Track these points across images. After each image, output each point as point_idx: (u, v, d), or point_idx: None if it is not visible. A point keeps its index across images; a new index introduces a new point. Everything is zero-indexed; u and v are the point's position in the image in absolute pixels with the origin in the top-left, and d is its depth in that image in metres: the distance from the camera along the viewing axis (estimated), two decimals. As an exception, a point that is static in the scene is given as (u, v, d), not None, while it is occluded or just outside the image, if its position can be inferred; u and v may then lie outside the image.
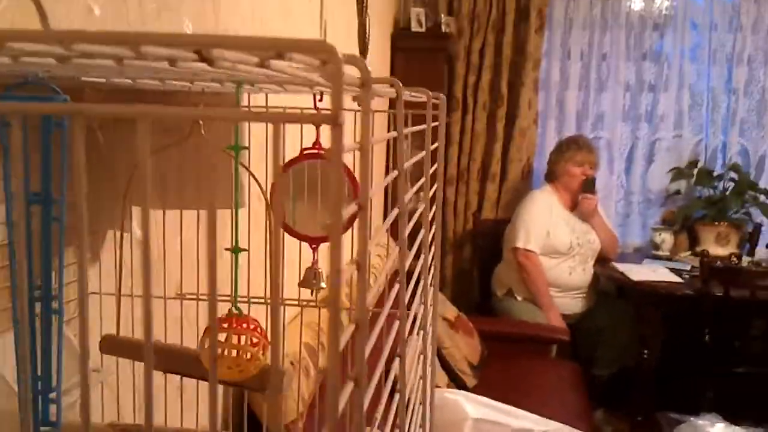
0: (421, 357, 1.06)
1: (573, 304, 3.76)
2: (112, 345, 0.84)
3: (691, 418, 2.70)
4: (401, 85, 0.54)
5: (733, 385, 3.35)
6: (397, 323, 0.68)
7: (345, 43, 2.57)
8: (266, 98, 0.99)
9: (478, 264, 4.12)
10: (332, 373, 0.35)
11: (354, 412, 0.44)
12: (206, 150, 0.83)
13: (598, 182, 4.26)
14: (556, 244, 3.70)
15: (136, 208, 1.08)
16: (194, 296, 0.99)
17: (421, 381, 0.97)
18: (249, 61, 0.33)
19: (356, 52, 2.76)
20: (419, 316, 1.05)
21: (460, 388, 2.79)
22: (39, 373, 0.60)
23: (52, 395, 0.62)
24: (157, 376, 1.10)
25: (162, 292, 1.11)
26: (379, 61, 3.55)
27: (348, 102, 0.59)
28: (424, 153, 0.78)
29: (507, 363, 3.34)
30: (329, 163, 0.87)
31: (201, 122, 0.77)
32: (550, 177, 3.89)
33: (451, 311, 3.29)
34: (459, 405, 2.13)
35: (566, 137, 3.98)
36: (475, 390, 2.89)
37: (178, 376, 0.96)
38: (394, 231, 0.86)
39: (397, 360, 0.66)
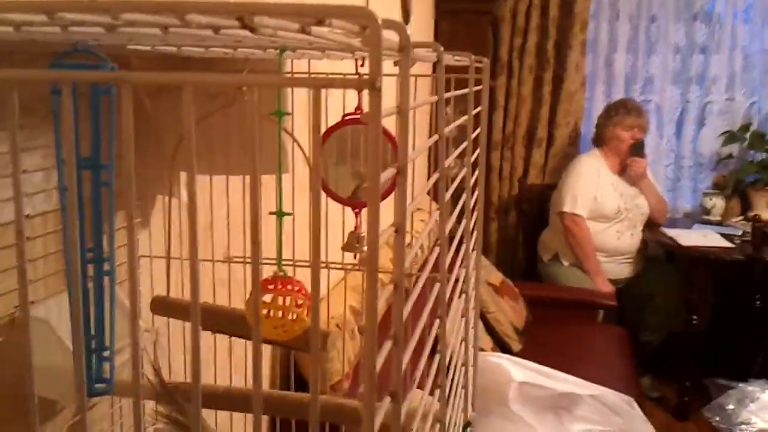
0: (463, 319, 1.07)
1: (620, 269, 3.73)
2: (162, 306, 0.87)
3: (740, 384, 2.67)
4: (442, 49, 0.55)
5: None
6: (437, 286, 0.69)
7: (386, 7, 2.56)
8: (308, 64, 1.00)
9: (523, 230, 4.10)
10: (370, 333, 0.37)
11: (393, 370, 0.45)
12: (250, 116, 0.84)
13: (648, 147, 4.19)
14: (603, 208, 3.66)
15: (184, 173, 1.10)
16: (241, 259, 1.02)
17: (463, 343, 0.99)
18: (290, 28, 0.34)
19: (398, 16, 2.74)
20: (461, 280, 1.06)
21: (505, 353, 2.80)
22: (93, 333, 0.63)
23: (106, 353, 0.64)
24: (207, 337, 1.13)
25: (210, 255, 1.13)
26: (422, 25, 3.52)
27: (390, 67, 0.60)
28: (465, 117, 0.78)
29: (552, 328, 3.34)
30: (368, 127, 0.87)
31: (244, 88, 0.78)
32: (599, 141, 3.84)
33: (496, 276, 3.29)
34: (503, 368, 2.14)
35: (614, 101, 3.91)
36: (520, 354, 2.90)
37: (228, 337, 0.99)
38: (437, 196, 0.86)
39: (437, 321, 0.67)
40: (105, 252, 0.62)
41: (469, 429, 0.79)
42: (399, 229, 0.37)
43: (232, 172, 1.04)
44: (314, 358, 0.34)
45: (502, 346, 2.94)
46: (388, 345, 0.46)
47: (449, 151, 1.13)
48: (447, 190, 0.95)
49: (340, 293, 1.93)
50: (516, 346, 3.04)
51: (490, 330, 2.94)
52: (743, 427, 2.43)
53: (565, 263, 3.73)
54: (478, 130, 0.96)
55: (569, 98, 4.11)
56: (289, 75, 1.08)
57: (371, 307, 0.33)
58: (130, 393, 1.01)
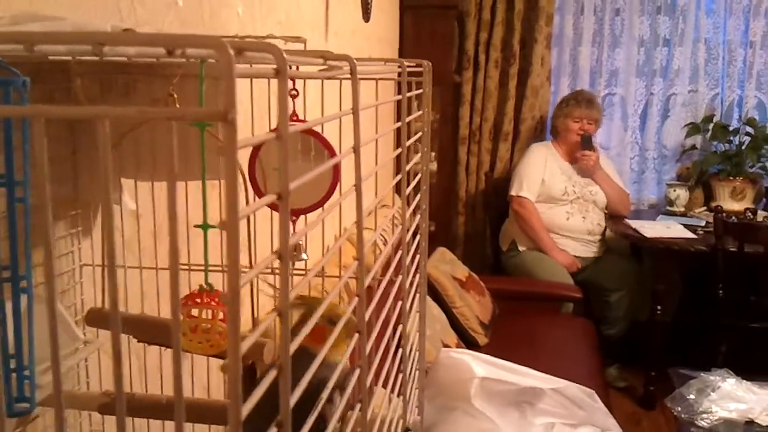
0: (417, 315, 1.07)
1: (575, 246, 3.76)
2: (98, 318, 0.85)
3: (702, 374, 2.70)
4: (355, 61, 0.54)
5: (746, 340, 3.34)
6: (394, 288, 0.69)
7: (343, 3, 2.54)
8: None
9: (490, 223, 4.12)
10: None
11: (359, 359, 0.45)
12: (180, 124, 0.83)
13: (613, 139, 4.23)
14: (551, 190, 3.75)
15: (126, 179, 1.09)
16: (185, 267, 1.00)
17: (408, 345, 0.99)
18: (150, 54, 0.33)
19: (359, 11, 2.73)
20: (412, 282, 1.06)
21: (471, 347, 2.82)
22: (12, 353, 0.61)
23: (26, 372, 0.63)
24: (156, 348, 1.11)
25: (155, 263, 1.12)
26: (386, 20, 3.51)
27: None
28: (399, 124, 0.77)
29: (519, 321, 3.36)
30: (309, 134, 0.86)
31: (175, 95, 0.77)
32: (553, 132, 3.93)
33: (462, 271, 3.30)
34: (466, 364, 2.14)
35: (570, 93, 3.96)
36: (486, 348, 2.91)
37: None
38: (400, 192, 0.86)
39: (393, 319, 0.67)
40: (22, 270, 0.61)
41: (408, 435, 0.79)
42: (283, 257, 0.37)
43: (157, 178, 1.02)
44: (176, 359, 0.33)
45: (467, 341, 2.95)
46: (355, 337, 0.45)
47: (415, 146, 1.12)
48: (408, 186, 0.94)
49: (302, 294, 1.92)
50: (482, 340, 3.05)
51: (456, 325, 2.95)
52: (704, 416, 2.45)
53: (522, 248, 3.76)
54: (419, 134, 0.95)
55: (534, 92, 4.12)
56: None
57: (233, 345, 0.32)
58: (73, 405, 1.00)
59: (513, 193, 3.74)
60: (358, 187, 0.53)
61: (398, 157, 0.91)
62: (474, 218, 4.26)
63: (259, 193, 0.89)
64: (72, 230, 1.08)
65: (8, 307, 0.61)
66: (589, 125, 3.78)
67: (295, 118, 0.83)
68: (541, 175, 3.75)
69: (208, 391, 1.31)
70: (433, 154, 4.11)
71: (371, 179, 0.87)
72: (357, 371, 0.58)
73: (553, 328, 3.34)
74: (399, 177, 0.75)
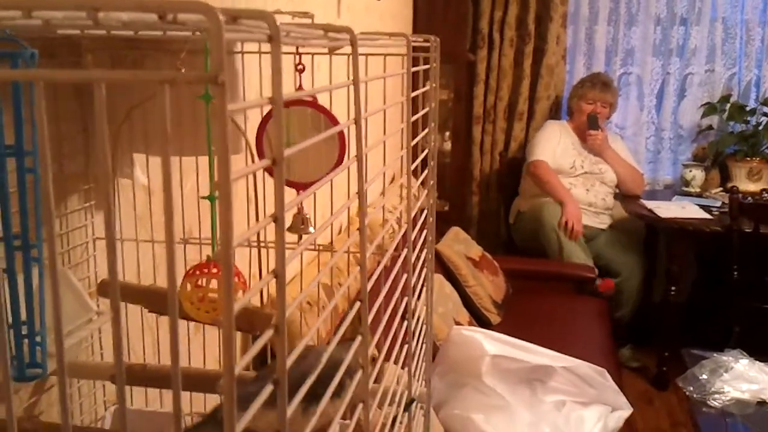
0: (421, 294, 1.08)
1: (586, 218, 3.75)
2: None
3: (715, 354, 2.69)
4: (356, 33, 0.55)
5: (760, 321, 3.33)
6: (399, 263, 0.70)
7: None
8: (259, 45, 0.99)
9: (504, 204, 4.11)
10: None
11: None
12: (188, 97, 0.84)
13: (628, 119, 4.20)
14: (561, 162, 3.77)
15: (138, 154, 1.10)
16: (196, 241, 1.02)
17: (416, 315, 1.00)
18: (143, 20, 0.34)
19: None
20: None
21: (484, 326, 2.83)
22: (24, 319, 0.63)
23: (38, 338, 0.65)
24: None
25: (163, 237, 1.13)
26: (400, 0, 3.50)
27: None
28: (404, 99, 0.78)
29: (532, 301, 3.37)
30: (315, 108, 0.87)
31: (183, 70, 0.78)
32: (569, 111, 3.95)
33: (476, 250, 3.30)
34: (477, 342, 2.16)
35: (591, 73, 3.95)
36: (499, 327, 2.92)
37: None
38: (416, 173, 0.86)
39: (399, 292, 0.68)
40: (33, 240, 0.62)
41: (414, 405, 0.80)
42: (278, 219, 0.38)
43: (185, 153, 1.03)
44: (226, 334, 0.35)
45: (480, 320, 2.96)
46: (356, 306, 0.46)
47: (428, 125, 1.13)
48: (415, 161, 0.95)
49: (313, 271, 1.94)
50: (495, 319, 3.06)
51: (469, 304, 2.96)
52: (716, 396, 2.45)
53: (524, 210, 3.79)
54: (426, 110, 0.96)
55: (550, 71, 4.10)
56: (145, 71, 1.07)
57: (227, 304, 0.33)
58: (84, 374, 1.02)
59: (528, 161, 3.79)
60: (359, 158, 0.54)
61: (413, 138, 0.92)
62: (488, 198, 4.26)
63: (267, 168, 0.90)
64: (85, 204, 1.10)
65: (20, 276, 0.62)
66: (603, 108, 3.77)
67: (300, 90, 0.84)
68: (555, 147, 3.78)
69: (220, 363, 1.33)
70: (447, 133, 4.11)
71: (380, 157, 0.88)
72: (358, 339, 0.59)
73: (566, 307, 3.35)
74: (403, 152, 0.75)
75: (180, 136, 1.03)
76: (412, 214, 0.90)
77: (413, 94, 0.77)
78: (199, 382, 0.84)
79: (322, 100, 0.97)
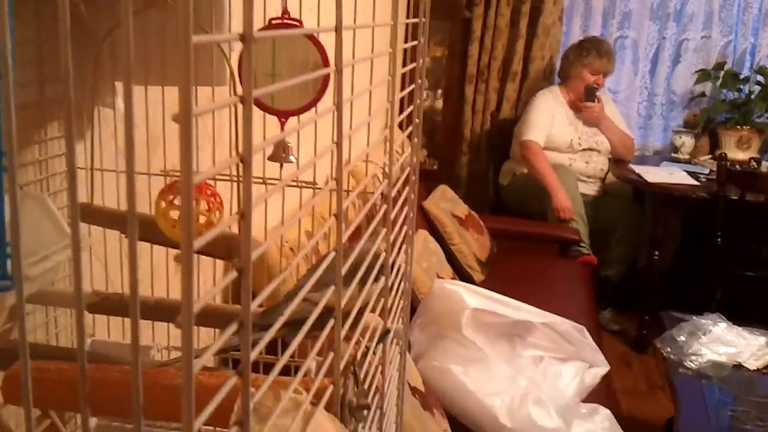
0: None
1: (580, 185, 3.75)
2: (88, 213, 0.86)
3: (694, 317, 2.72)
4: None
5: (741, 288, 3.36)
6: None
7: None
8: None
9: (494, 164, 4.10)
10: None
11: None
12: (175, 22, 0.82)
13: (621, 83, 4.18)
14: (557, 141, 3.73)
15: (119, 83, 1.08)
16: (163, 172, 1.01)
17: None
18: None
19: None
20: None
21: (467, 283, 2.84)
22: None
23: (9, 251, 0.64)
24: (160, 250, 1.12)
25: (146, 168, 1.12)
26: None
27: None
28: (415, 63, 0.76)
29: (516, 260, 3.38)
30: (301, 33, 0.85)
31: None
32: (563, 75, 3.86)
33: (462, 209, 3.31)
34: (458, 295, 2.17)
35: (589, 39, 3.87)
36: (482, 285, 2.93)
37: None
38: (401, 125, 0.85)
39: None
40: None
41: (389, 336, 0.80)
42: (245, 160, 0.37)
43: (168, 83, 1.02)
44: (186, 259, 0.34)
45: (464, 277, 2.98)
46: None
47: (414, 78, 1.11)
48: (400, 115, 0.94)
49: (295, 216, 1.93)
50: (478, 277, 3.08)
51: (453, 261, 2.97)
52: (693, 358, 2.48)
53: (524, 171, 3.77)
54: (413, 64, 0.94)
55: (546, 31, 4.06)
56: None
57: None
58: (60, 302, 1.02)
59: (520, 138, 3.70)
60: (338, 71, 0.53)
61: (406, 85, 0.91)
62: (478, 158, 4.25)
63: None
64: (65, 132, 1.08)
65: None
66: (603, 78, 3.74)
67: (286, 16, 0.82)
68: (549, 125, 3.71)
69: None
70: (439, 91, 4.09)
71: (367, 106, 0.87)
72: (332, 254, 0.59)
73: (549, 268, 3.37)
74: (388, 104, 0.74)
75: (164, 64, 1.01)
76: (394, 170, 0.89)
77: (402, 47, 0.76)
78: (166, 311, 0.84)
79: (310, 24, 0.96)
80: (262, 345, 0.45)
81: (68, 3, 0.33)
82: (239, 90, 0.95)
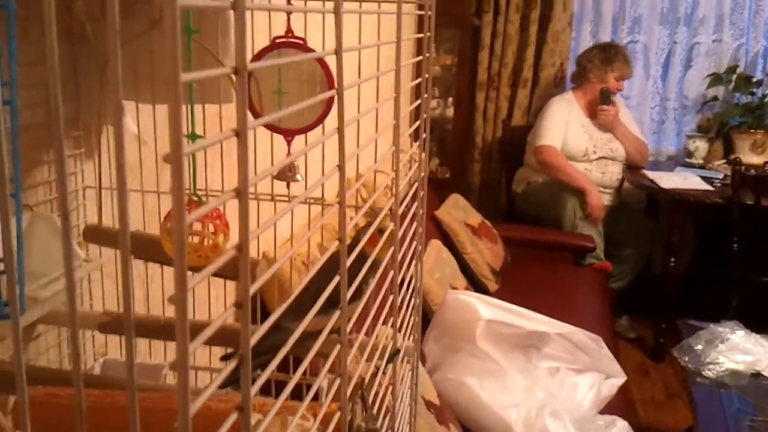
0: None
1: None
2: (95, 234, 0.86)
3: (711, 325, 2.69)
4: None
5: (759, 294, 3.32)
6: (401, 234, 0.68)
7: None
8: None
9: (506, 172, 4.08)
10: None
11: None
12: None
13: (634, 88, 4.16)
14: (572, 149, 3.68)
15: (126, 101, 1.08)
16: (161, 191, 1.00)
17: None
18: None
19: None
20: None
21: (481, 293, 2.82)
22: None
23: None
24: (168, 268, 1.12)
25: (156, 186, 1.12)
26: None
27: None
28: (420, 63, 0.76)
29: (530, 269, 3.36)
30: (300, 50, 0.84)
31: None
32: (579, 79, 3.80)
33: (475, 218, 3.29)
34: (472, 306, 2.15)
35: (611, 44, 3.82)
36: (496, 294, 2.91)
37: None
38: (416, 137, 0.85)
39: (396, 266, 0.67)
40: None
41: (398, 356, 0.79)
42: (241, 194, 0.36)
43: (158, 101, 1.01)
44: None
45: (478, 287, 2.96)
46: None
47: (432, 91, 1.10)
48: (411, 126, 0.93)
49: (310, 230, 1.92)
50: (492, 287, 3.06)
51: (466, 271, 2.95)
52: (711, 366, 2.45)
53: (539, 180, 3.73)
54: (419, 57, 0.94)
55: (555, 38, 4.05)
56: None
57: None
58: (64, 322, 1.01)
59: (536, 144, 3.66)
60: (339, 95, 0.52)
61: (416, 98, 0.89)
62: (490, 166, 4.23)
63: (255, 116, 0.88)
64: (75, 151, 1.08)
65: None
66: (623, 84, 3.73)
67: (290, 35, 0.82)
68: (563, 131, 3.66)
69: (209, 313, 1.32)
70: (450, 99, 4.07)
71: (381, 119, 0.86)
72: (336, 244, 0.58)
73: (564, 277, 3.34)
74: (394, 123, 0.73)
75: (153, 82, 1.01)
76: (401, 187, 0.88)
77: (404, 39, 0.75)
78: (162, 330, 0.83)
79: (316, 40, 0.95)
80: (261, 381, 0.44)
81: (56, 41, 0.32)
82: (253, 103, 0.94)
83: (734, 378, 2.43)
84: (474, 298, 2.21)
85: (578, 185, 3.51)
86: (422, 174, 1.04)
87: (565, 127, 3.67)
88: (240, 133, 0.35)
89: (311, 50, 0.85)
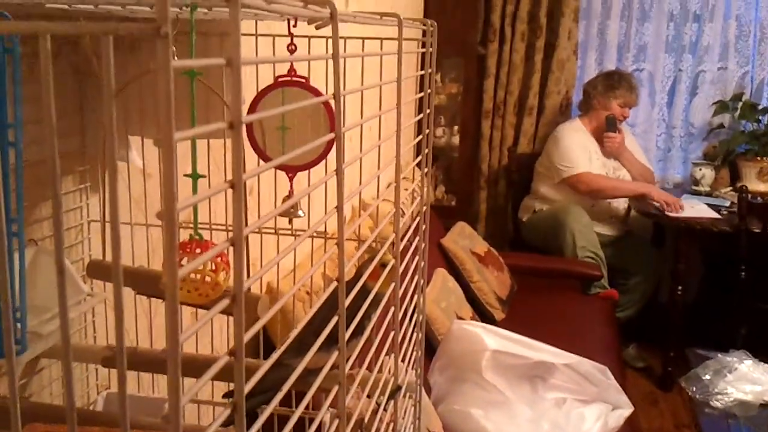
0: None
1: (600, 226, 3.72)
2: (98, 270, 0.86)
3: (719, 354, 2.67)
4: (336, 7, 0.53)
5: (767, 322, 3.30)
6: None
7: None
8: (255, 24, 0.98)
9: (512, 200, 4.08)
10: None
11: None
12: (183, 77, 0.83)
13: (639, 116, 4.17)
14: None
15: (133, 136, 1.09)
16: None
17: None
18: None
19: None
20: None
21: (487, 322, 2.81)
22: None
23: (18, 315, 0.64)
24: (157, 303, 1.12)
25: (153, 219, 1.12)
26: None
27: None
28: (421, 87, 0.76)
29: (537, 298, 3.35)
30: (302, 89, 0.85)
31: (173, 49, 0.76)
32: (585, 107, 3.82)
33: (481, 246, 3.29)
34: (478, 337, 2.14)
35: (616, 72, 3.84)
36: (503, 323, 2.90)
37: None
38: (421, 165, 0.85)
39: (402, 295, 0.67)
40: (13, 213, 0.61)
41: (399, 393, 0.79)
42: (235, 186, 0.36)
43: (148, 135, 1.02)
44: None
45: (484, 316, 2.95)
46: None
47: (436, 119, 1.11)
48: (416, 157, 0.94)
49: (314, 261, 1.92)
50: (499, 316, 3.05)
51: (472, 299, 2.94)
52: (719, 397, 2.43)
53: (545, 207, 3.72)
54: (421, 94, 0.94)
55: (561, 66, 4.07)
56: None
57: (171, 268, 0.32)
58: (75, 357, 1.01)
59: (568, 174, 3.63)
60: (338, 138, 0.53)
61: (419, 130, 0.91)
62: (496, 194, 4.23)
63: (258, 152, 0.89)
64: (80, 186, 1.09)
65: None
66: (628, 111, 3.75)
67: (293, 73, 0.82)
68: (586, 156, 3.66)
69: (212, 347, 1.33)
70: (456, 127, 4.09)
71: (383, 152, 0.87)
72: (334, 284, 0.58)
73: (571, 305, 3.33)
74: (397, 157, 0.74)
75: (177, 119, 1.02)
76: (404, 219, 0.89)
77: (405, 78, 0.75)
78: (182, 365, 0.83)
79: (319, 87, 0.96)
80: (261, 421, 0.44)
81: (52, 86, 0.33)
82: (246, 142, 0.95)
83: (743, 409, 2.41)
84: (480, 328, 2.20)
85: (638, 194, 3.57)
86: (424, 208, 1.04)
87: (585, 152, 3.67)
88: (235, 185, 0.35)
89: (314, 89, 0.85)
